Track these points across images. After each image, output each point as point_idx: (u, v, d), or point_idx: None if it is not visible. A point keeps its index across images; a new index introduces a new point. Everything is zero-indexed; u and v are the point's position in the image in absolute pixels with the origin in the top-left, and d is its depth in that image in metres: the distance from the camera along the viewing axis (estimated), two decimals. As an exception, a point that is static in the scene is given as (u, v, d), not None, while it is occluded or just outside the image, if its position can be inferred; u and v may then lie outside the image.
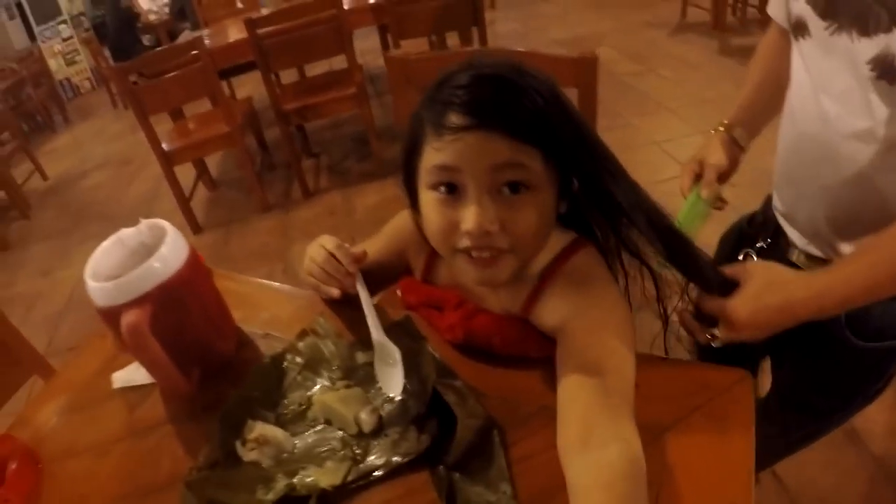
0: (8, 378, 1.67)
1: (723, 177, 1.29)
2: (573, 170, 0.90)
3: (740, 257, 1.27)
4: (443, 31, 5.00)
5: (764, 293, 0.95)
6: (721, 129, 1.33)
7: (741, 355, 1.20)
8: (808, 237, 1.17)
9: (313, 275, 1.18)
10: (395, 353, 1.06)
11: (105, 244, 1.19)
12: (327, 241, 1.16)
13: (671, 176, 3.64)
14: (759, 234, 1.30)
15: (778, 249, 1.23)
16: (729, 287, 0.98)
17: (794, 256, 1.20)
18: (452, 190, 0.88)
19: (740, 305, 0.95)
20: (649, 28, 6.70)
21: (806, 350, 1.24)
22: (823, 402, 1.32)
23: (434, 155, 0.87)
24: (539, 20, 7.97)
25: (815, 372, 1.28)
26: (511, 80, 0.83)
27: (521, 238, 0.89)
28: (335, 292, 1.16)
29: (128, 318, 1.02)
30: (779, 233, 1.25)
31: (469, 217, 0.85)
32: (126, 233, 1.20)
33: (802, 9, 1.04)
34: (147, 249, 1.20)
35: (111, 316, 1.06)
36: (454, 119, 0.83)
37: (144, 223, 1.20)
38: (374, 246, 1.25)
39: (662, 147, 4.03)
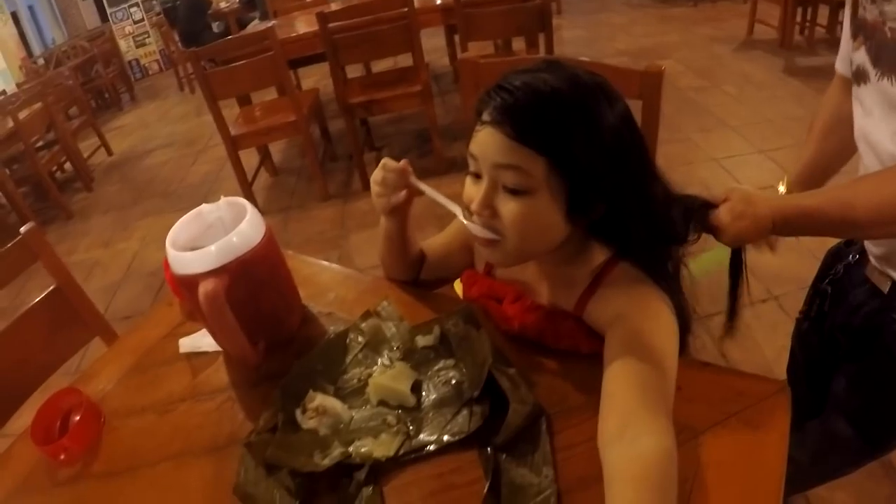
0: (73, 336, 1.76)
1: None
2: (591, 193, 0.96)
3: None
4: (510, 36, 5.02)
5: (739, 204, 1.08)
6: (782, 187, 1.43)
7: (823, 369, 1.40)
8: (879, 258, 1.23)
9: (379, 195, 1.23)
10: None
11: (186, 216, 1.26)
12: (382, 162, 1.21)
13: (728, 193, 3.64)
14: (850, 250, 1.36)
15: (860, 265, 1.29)
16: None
17: (870, 273, 1.26)
18: (476, 177, 0.99)
19: (723, 213, 1.09)
20: (715, 43, 6.63)
21: (865, 361, 1.31)
22: (877, 423, 1.36)
23: (471, 140, 0.98)
24: (605, 28, 7.93)
25: (868, 387, 1.33)
26: (547, 96, 0.90)
27: (508, 228, 0.97)
28: (401, 196, 1.21)
29: (206, 287, 1.09)
30: (863, 250, 1.30)
31: (476, 197, 0.98)
32: (206, 207, 1.28)
33: (863, 58, 1.11)
34: (224, 224, 1.28)
35: (188, 283, 1.14)
36: (485, 113, 0.94)
37: (224, 200, 1.28)
38: (443, 238, 1.37)
39: (721, 164, 4.01)
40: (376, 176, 1.21)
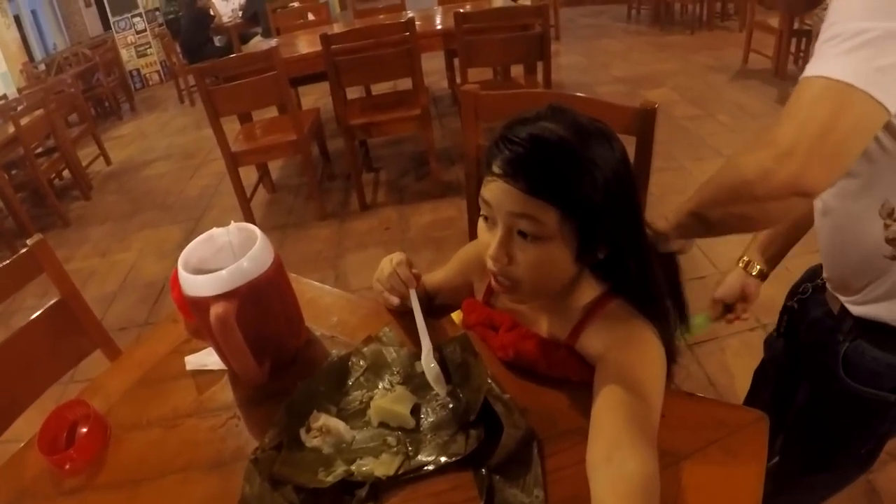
0: (75, 348, 1.79)
1: (742, 302, 1.56)
2: (598, 232, 1.01)
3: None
4: (509, 63, 5.09)
5: None
6: (741, 265, 1.55)
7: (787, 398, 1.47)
8: (829, 280, 1.31)
9: (380, 282, 1.36)
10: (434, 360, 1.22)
11: (197, 239, 1.31)
12: (395, 257, 1.33)
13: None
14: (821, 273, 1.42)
15: (824, 287, 1.35)
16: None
17: (828, 295, 1.33)
18: (489, 220, 1.03)
19: None
20: (711, 72, 6.71)
21: (813, 384, 1.41)
22: (819, 445, 1.42)
23: (483, 187, 1.02)
24: (602, 55, 8.00)
25: (815, 407, 1.40)
26: (555, 147, 0.95)
27: (524, 274, 1.02)
28: (394, 301, 1.36)
29: (217, 309, 1.14)
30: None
31: (492, 245, 1.01)
32: (217, 231, 1.33)
33: None
34: (233, 248, 1.32)
35: (199, 305, 1.18)
36: (496, 165, 0.98)
37: (234, 225, 1.32)
38: (445, 272, 1.44)
39: (713, 193, 4.03)
40: (386, 268, 1.33)
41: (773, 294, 1.59)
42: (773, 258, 1.52)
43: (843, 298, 1.25)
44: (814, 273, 1.45)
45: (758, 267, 1.52)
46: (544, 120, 0.98)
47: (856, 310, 1.22)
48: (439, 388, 1.18)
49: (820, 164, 0.90)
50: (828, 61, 0.90)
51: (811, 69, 0.93)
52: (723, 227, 1.08)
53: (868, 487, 2.12)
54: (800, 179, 0.90)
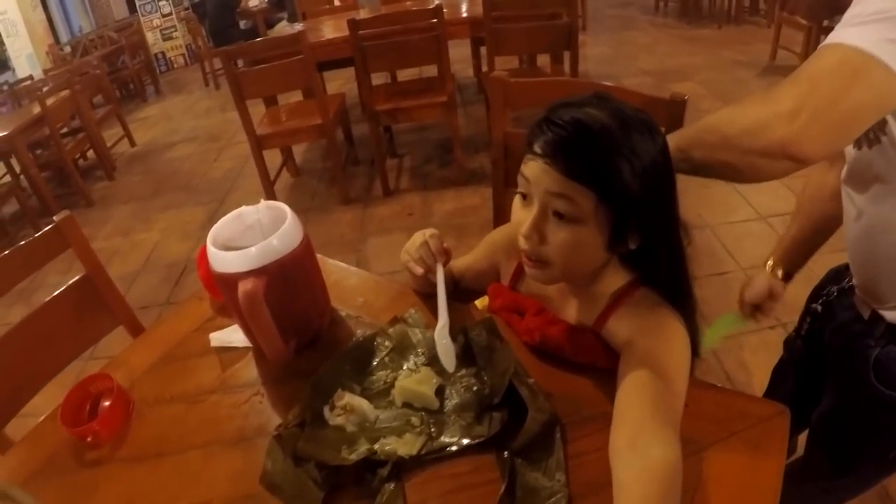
0: (99, 324, 1.81)
1: (770, 301, 1.54)
2: (632, 222, 1.00)
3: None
4: (537, 52, 5.08)
5: None
6: (768, 268, 1.54)
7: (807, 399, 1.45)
8: (860, 287, 1.30)
9: (408, 252, 1.35)
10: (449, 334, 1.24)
11: (227, 217, 1.32)
12: (428, 231, 1.34)
13: (743, 218, 3.66)
14: (848, 273, 1.39)
15: (852, 291, 1.34)
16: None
17: (857, 300, 1.31)
18: (526, 198, 1.04)
19: None
20: (738, 67, 6.61)
21: (840, 388, 1.38)
22: (844, 449, 1.40)
23: (523, 165, 1.02)
24: (629, 47, 7.93)
25: (842, 411, 1.38)
26: (596, 133, 0.95)
27: (555, 255, 1.03)
28: (419, 270, 1.33)
29: (246, 286, 1.15)
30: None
31: (526, 223, 1.02)
32: (246, 209, 1.34)
33: None
34: (261, 227, 1.33)
35: (227, 281, 1.19)
36: (537, 145, 0.98)
37: (264, 203, 1.33)
38: (472, 257, 1.44)
39: (737, 189, 3.98)
40: (418, 239, 1.33)
41: (794, 292, 1.58)
42: (797, 263, 1.52)
43: (874, 305, 1.24)
44: (837, 274, 1.44)
45: (782, 271, 1.52)
46: (588, 106, 0.98)
47: (890, 315, 1.20)
48: (447, 364, 1.19)
49: (821, 131, 0.90)
50: (847, 31, 0.89)
51: (828, 39, 0.92)
52: (705, 170, 1.07)
53: (881, 491, 2.11)
54: (795, 143, 0.90)
